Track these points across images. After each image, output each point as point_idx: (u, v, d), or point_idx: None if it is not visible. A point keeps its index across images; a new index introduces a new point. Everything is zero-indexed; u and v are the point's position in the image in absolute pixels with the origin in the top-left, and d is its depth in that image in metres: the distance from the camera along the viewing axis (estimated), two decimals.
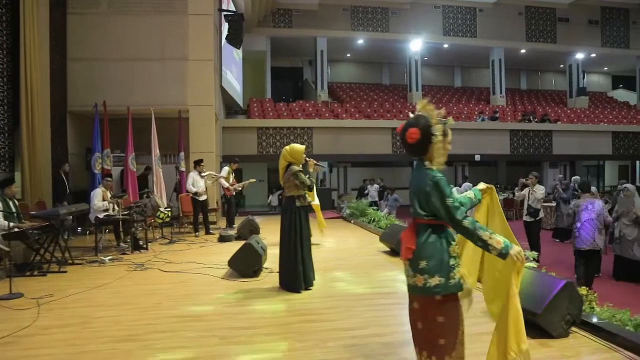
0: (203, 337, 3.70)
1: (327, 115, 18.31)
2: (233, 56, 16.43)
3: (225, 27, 13.33)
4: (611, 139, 19.12)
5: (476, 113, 19.90)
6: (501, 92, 22.52)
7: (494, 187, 2.81)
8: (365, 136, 16.81)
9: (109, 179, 8.29)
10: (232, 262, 5.84)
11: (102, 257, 7.03)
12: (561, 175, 18.80)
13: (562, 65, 25.06)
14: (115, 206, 7.97)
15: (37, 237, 6.12)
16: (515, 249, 2.23)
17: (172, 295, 5.01)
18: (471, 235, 2.22)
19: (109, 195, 8.04)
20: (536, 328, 3.47)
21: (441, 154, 2.38)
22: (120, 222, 7.78)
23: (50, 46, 10.46)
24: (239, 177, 12.94)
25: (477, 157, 17.47)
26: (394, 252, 7.14)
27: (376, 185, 14.80)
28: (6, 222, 5.91)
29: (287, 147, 5.08)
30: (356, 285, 5.38)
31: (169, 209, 9.35)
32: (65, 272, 6.34)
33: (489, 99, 23.26)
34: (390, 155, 17.24)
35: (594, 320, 3.66)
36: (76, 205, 6.91)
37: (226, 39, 13.15)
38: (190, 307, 4.56)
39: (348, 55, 24.87)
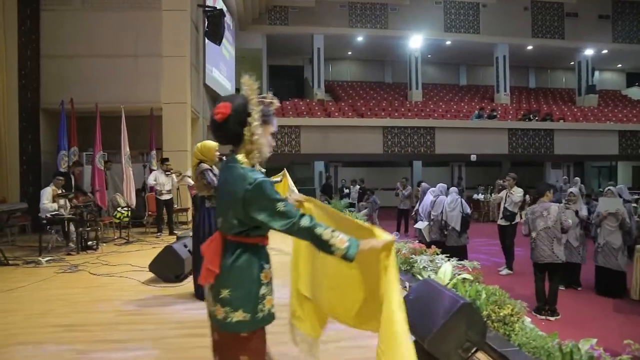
0: (61, 352, 3.41)
1: (318, 114, 17.95)
2: (222, 53, 16.20)
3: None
4: (618, 139, 18.24)
5: (477, 111, 19.27)
6: (505, 90, 21.79)
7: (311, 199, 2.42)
8: (356, 135, 16.41)
9: (60, 177, 8.11)
10: (152, 266, 5.56)
11: (39, 258, 6.84)
12: (565, 177, 18.05)
13: (572, 63, 24.13)
14: (67, 205, 7.80)
15: None
16: (369, 242, 1.75)
17: (73, 301, 4.76)
18: (311, 235, 1.76)
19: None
20: (428, 356, 3.06)
21: (260, 146, 1.88)
22: (67, 221, 7.59)
23: (19, 43, 10.38)
24: None
25: (473, 157, 16.87)
26: None
27: (357, 187, 14.38)
28: None
29: (198, 145, 4.78)
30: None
31: (128, 209, 9.13)
32: None
33: (494, 98, 22.55)
34: (381, 155, 16.78)
35: (502, 348, 3.23)
36: (9, 205, 6.73)
37: (205, 35, 12.91)
38: (78, 315, 4.29)
39: (349, 53, 24.45)
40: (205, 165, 4.62)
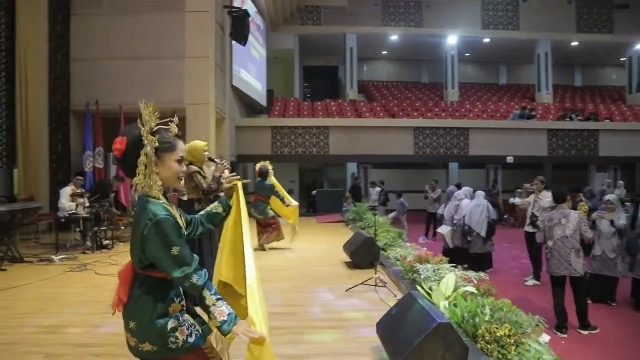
0: (29, 355, 3.33)
1: (349, 114, 17.65)
2: (250, 54, 16.22)
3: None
4: None
5: (517, 111, 18.40)
6: (547, 89, 20.73)
7: (239, 184, 2.20)
8: (385, 136, 15.99)
9: (79, 177, 8.23)
10: None
11: (52, 256, 6.93)
12: (609, 180, 16.93)
13: (622, 59, 22.69)
14: (85, 204, 7.89)
15: None
16: (242, 326, 1.70)
17: (66, 301, 4.73)
18: (198, 294, 1.71)
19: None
20: None
21: (160, 178, 1.77)
22: (83, 220, 7.68)
23: (50, 47, 10.68)
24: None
25: (510, 159, 16.09)
26: (350, 263, 6.51)
27: (377, 189, 13.95)
28: None
29: (186, 145, 4.60)
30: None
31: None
32: (5, 270, 6.28)
33: (534, 97, 21.52)
34: (412, 157, 16.28)
35: None
36: (22, 204, 6.86)
37: (230, 35, 12.91)
38: (63, 316, 4.23)
39: (384, 52, 24.01)
40: (194, 167, 4.47)
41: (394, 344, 2.84)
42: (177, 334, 1.76)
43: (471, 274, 4.49)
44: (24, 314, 4.31)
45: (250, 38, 14.95)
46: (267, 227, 7.75)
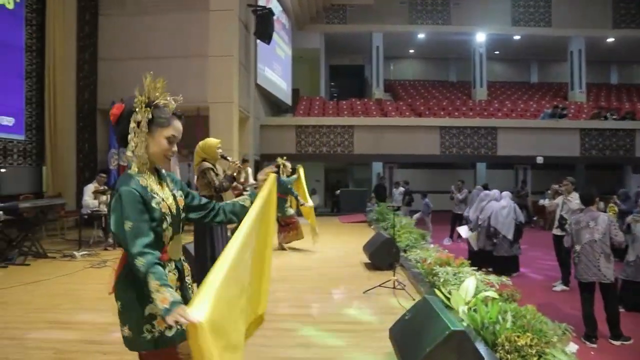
0: (39, 351, 3.33)
1: (374, 113, 17.45)
2: (275, 53, 16.21)
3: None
4: None
5: (548, 110, 17.84)
6: (581, 87, 20.03)
7: (272, 177, 2.12)
8: (411, 135, 15.72)
9: (103, 174, 8.33)
10: None
11: (74, 252, 7.02)
12: None
13: None
14: (107, 201, 7.98)
15: None
16: (176, 314, 1.46)
17: (81, 298, 4.75)
18: (142, 278, 1.56)
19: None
20: None
21: (146, 149, 1.75)
22: (105, 217, 7.76)
23: (77, 47, 10.88)
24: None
25: (540, 160, 15.57)
26: (370, 265, 6.36)
27: (401, 189, 13.69)
28: None
29: (200, 142, 4.58)
30: (276, 304, 4.72)
31: None
32: (28, 264, 6.39)
33: (567, 96, 20.82)
34: (438, 156, 15.96)
35: None
36: (43, 200, 6.97)
37: (254, 34, 12.90)
38: (77, 313, 4.23)
39: (411, 51, 23.69)
40: (207, 164, 4.43)
41: (405, 351, 2.70)
42: (154, 322, 1.67)
43: (493, 278, 4.29)
44: (40, 309, 4.34)
45: (276, 37, 14.93)
46: (286, 226, 7.67)
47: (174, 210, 1.79)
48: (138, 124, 1.73)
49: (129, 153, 1.74)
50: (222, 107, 11.44)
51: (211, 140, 4.53)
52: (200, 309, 1.47)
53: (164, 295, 1.50)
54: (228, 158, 4.52)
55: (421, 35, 20.81)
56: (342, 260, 7.00)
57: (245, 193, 7.22)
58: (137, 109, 1.73)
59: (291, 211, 7.72)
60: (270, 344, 3.40)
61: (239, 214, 2.03)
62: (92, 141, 11.50)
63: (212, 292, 1.55)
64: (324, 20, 20.10)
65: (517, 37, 20.60)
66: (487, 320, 3.51)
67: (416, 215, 12.10)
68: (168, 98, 1.84)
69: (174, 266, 1.80)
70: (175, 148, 1.82)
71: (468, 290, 4.02)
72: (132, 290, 1.67)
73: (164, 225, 1.73)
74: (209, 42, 11.31)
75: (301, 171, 8.12)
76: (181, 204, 1.86)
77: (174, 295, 1.52)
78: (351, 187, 20.21)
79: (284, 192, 7.64)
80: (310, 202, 7.92)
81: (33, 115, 10.11)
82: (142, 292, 1.60)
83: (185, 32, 11.41)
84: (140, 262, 1.54)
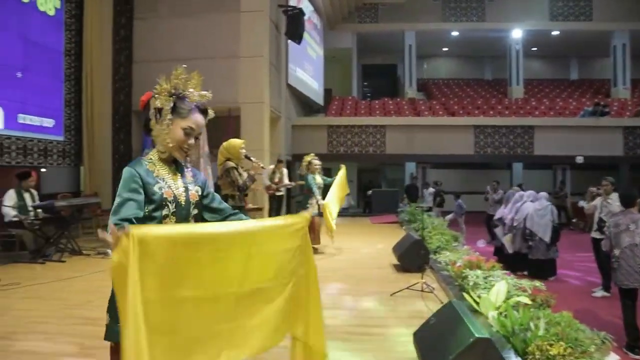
0: (67, 345, 3.40)
1: (407, 113, 17.23)
2: (307, 53, 16.22)
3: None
4: None
5: (589, 107, 17.15)
6: (625, 84, 19.17)
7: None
8: (444, 135, 15.43)
9: None
10: None
11: (107, 250, 7.18)
12: None
13: None
14: None
15: (37, 227, 6.43)
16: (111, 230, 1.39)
17: None
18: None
19: None
20: None
21: (158, 137, 1.81)
22: None
23: (113, 50, 11.18)
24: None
25: (579, 159, 14.98)
26: (399, 267, 6.25)
27: (431, 189, 13.40)
28: (11, 212, 6.34)
29: (224, 142, 4.62)
30: None
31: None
32: (64, 261, 6.58)
33: (610, 92, 19.98)
34: (472, 156, 15.60)
35: None
36: (79, 199, 7.16)
37: (285, 34, 12.94)
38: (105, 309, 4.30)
39: (444, 49, 23.27)
40: (230, 164, 4.46)
41: (428, 357, 2.61)
42: None
43: (525, 282, 4.11)
44: (72, 305, 4.45)
45: (307, 37, 14.96)
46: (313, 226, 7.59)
47: (181, 201, 1.80)
48: (158, 110, 1.77)
49: (154, 134, 1.81)
50: (253, 108, 11.52)
51: (235, 141, 4.57)
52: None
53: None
54: (251, 158, 4.55)
55: (455, 33, 20.41)
56: (371, 262, 6.91)
57: (279, 193, 7.27)
58: (155, 95, 1.77)
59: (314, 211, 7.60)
60: (290, 346, 3.35)
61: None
62: (127, 142, 11.79)
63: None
64: (356, 19, 20.00)
65: (555, 33, 19.92)
66: (517, 326, 3.36)
67: (449, 217, 11.84)
68: (191, 90, 1.83)
69: None
70: (192, 141, 1.81)
71: (498, 294, 3.87)
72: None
73: (164, 212, 1.73)
74: (240, 43, 11.41)
75: (342, 172, 7.78)
76: (194, 198, 1.86)
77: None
78: (384, 187, 20.03)
79: (308, 188, 7.59)
80: (321, 201, 7.67)
81: (72, 117, 10.44)
82: None
83: (217, 34, 11.53)
84: (111, 220, 1.58)
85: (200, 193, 1.90)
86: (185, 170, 1.89)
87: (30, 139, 8.96)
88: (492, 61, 23.47)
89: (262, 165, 4.48)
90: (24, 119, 8.81)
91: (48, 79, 9.59)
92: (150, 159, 1.79)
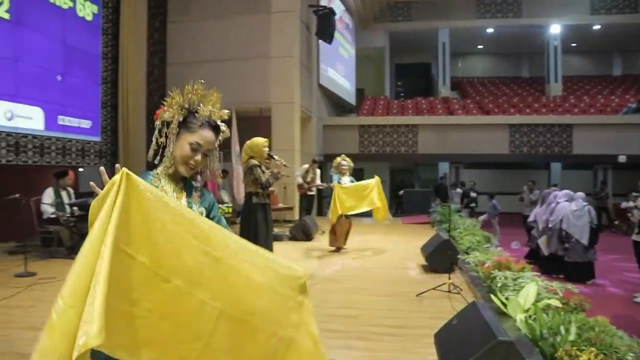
0: None
1: (440, 112, 16.95)
2: (339, 53, 16.19)
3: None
4: None
5: (632, 104, 16.42)
6: None
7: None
8: (478, 134, 15.08)
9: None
10: None
11: None
12: None
13: None
14: None
15: (73, 224, 6.66)
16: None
17: None
18: None
19: None
20: None
21: (172, 152, 1.69)
22: None
23: (148, 53, 11.47)
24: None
25: (622, 159, 14.33)
26: (427, 267, 6.13)
27: (459, 190, 13.07)
28: (49, 209, 6.61)
29: (248, 141, 4.66)
30: (323, 303, 4.65)
31: (231, 205, 9.48)
32: None
33: None
34: (507, 156, 15.18)
35: None
36: None
37: (316, 34, 12.96)
38: None
39: (480, 47, 22.82)
40: (253, 162, 4.50)
41: (450, 358, 2.54)
42: None
43: (557, 284, 3.95)
44: None
45: (338, 37, 14.94)
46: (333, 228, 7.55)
47: None
48: (166, 124, 1.70)
49: (167, 153, 1.70)
50: (284, 108, 11.59)
51: (258, 139, 4.61)
52: None
53: None
54: (274, 157, 4.58)
55: (490, 30, 19.97)
56: (399, 262, 6.81)
57: (310, 193, 7.27)
58: (165, 107, 1.70)
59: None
60: None
61: None
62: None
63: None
64: (388, 18, 19.84)
65: (596, 27, 19.19)
66: (546, 330, 3.23)
67: (482, 217, 11.57)
68: (201, 105, 1.75)
69: None
70: (198, 157, 1.70)
71: (528, 296, 3.74)
72: None
73: None
74: (271, 44, 11.51)
75: (372, 180, 7.53)
76: None
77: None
78: (417, 188, 19.78)
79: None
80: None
81: (108, 119, 10.75)
82: None
83: (248, 35, 11.67)
84: None
85: (203, 215, 1.81)
86: (194, 190, 1.81)
87: (68, 139, 9.29)
88: (529, 58, 22.85)
89: (284, 163, 4.50)
90: (63, 120, 9.15)
91: (86, 82, 9.91)
92: (157, 173, 1.72)
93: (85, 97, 9.91)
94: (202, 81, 1.82)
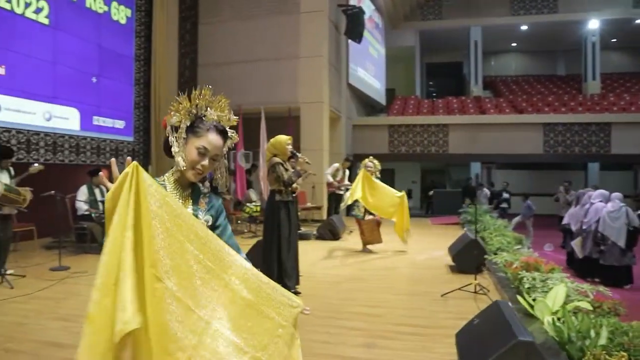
0: None
1: (471, 111, 16.64)
2: (368, 53, 16.11)
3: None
4: None
5: None
6: None
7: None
8: (510, 134, 14.73)
9: None
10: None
11: None
12: None
13: None
14: None
15: (104, 220, 6.85)
16: None
17: None
18: None
19: None
20: None
21: (179, 158, 1.65)
22: None
23: (179, 55, 11.71)
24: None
25: None
26: (454, 268, 6.03)
27: (486, 191, 12.76)
28: (84, 206, 6.84)
29: (272, 139, 4.69)
30: (346, 302, 4.62)
31: (259, 204, 9.56)
32: None
33: None
34: (541, 156, 14.76)
35: None
36: None
37: (345, 33, 12.93)
38: None
39: (513, 44, 22.29)
40: (276, 159, 4.53)
41: (467, 358, 2.48)
42: None
43: (587, 287, 3.81)
44: None
45: (368, 37, 14.88)
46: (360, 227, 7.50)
47: None
48: (175, 129, 1.67)
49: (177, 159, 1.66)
50: (313, 107, 11.63)
51: (281, 137, 4.63)
52: None
53: None
54: (297, 154, 4.59)
55: (524, 27, 19.49)
56: (425, 262, 6.73)
57: (339, 192, 7.28)
58: (173, 112, 1.66)
59: (359, 214, 7.48)
60: (332, 342, 3.33)
61: None
62: None
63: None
64: (419, 17, 19.62)
65: (639, 21, 18.41)
66: (575, 333, 3.11)
67: (516, 219, 11.31)
68: (209, 110, 1.71)
69: None
70: (206, 162, 1.67)
71: (556, 298, 3.61)
72: None
73: None
74: (300, 44, 11.58)
75: (399, 194, 7.37)
76: None
77: None
78: (448, 188, 19.48)
79: None
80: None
81: (141, 119, 11.03)
82: None
83: (277, 35, 11.76)
84: None
85: (210, 223, 1.76)
86: (201, 196, 1.77)
87: (103, 139, 9.58)
88: (565, 55, 22.17)
89: (307, 160, 4.51)
90: (97, 120, 9.44)
91: (119, 83, 10.19)
92: (163, 180, 1.70)
93: (119, 98, 10.20)
94: (211, 87, 1.77)
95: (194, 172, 1.68)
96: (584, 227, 7.59)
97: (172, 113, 1.67)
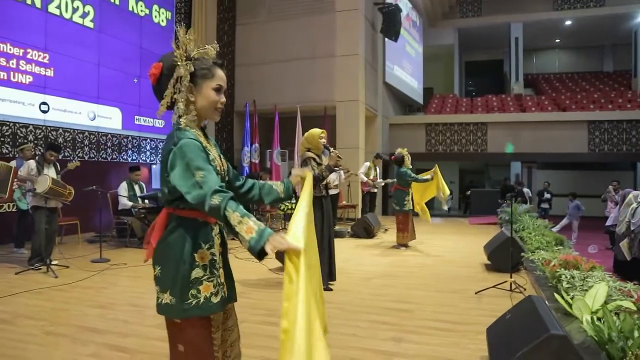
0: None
1: (511, 109, 16.20)
2: (405, 51, 15.95)
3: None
4: None
5: None
6: None
7: (309, 176, 1.95)
8: (553, 132, 14.24)
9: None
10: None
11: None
12: None
13: None
14: None
15: (143, 214, 7.08)
16: (273, 241, 1.33)
17: None
18: (220, 216, 1.41)
19: None
20: None
21: (195, 108, 1.67)
22: None
23: (217, 54, 11.90)
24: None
25: None
26: (490, 266, 5.88)
27: (527, 190, 12.32)
28: (127, 202, 7.12)
29: (306, 133, 4.69)
30: (377, 297, 4.58)
31: (294, 202, 9.60)
32: None
33: None
34: (585, 155, 14.18)
35: None
36: None
37: (380, 31, 12.84)
38: None
39: (557, 41, 21.54)
40: (309, 154, 4.53)
41: (498, 353, 2.41)
42: (200, 287, 1.58)
43: (631, 286, 3.63)
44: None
45: (405, 35, 14.75)
46: (399, 225, 7.41)
47: (224, 171, 1.75)
48: (179, 79, 1.65)
49: (176, 110, 1.67)
50: (348, 106, 11.62)
51: (314, 130, 4.63)
52: (296, 239, 1.39)
53: (248, 225, 1.37)
54: (330, 148, 4.57)
55: (568, 22, 18.79)
56: (460, 260, 6.59)
57: (374, 190, 7.28)
58: (178, 63, 1.64)
59: (409, 206, 7.40)
60: (361, 335, 3.31)
61: (268, 197, 1.92)
62: (229, 140, 12.53)
63: (300, 230, 1.46)
64: (457, 14, 19.27)
65: None
66: (615, 333, 2.98)
67: (563, 221, 10.94)
68: (207, 46, 1.75)
69: (218, 230, 1.70)
70: (223, 98, 1.72)
71: (596, 297, 3.46)
72: (176, 252, 1.58)
73: None
74: (336, 42, 11.60)
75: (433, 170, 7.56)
76: (225, 166, 1.78)
77: (258, 223, 1.40)
78: (487, 188, 19.02)
79: (403, 184, 7.42)
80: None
81: None
82: (188, 254, 1.57)
83: (313, 34, 11.82)
84: (216, 199, 1.41)
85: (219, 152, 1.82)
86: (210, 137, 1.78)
87: (143, 138, 9.88)
88: (613, 51, 21.24)
89: (338, 154, 4.48)
90: (138, 120, 9.75)
91: None
92: (191, 129, 1.65)
93: None
94: (216, 43, 1.85)
95: (217, 111, 1.73)
96: (631, 228, 7.24)
97: (178, 64, 1.65)
